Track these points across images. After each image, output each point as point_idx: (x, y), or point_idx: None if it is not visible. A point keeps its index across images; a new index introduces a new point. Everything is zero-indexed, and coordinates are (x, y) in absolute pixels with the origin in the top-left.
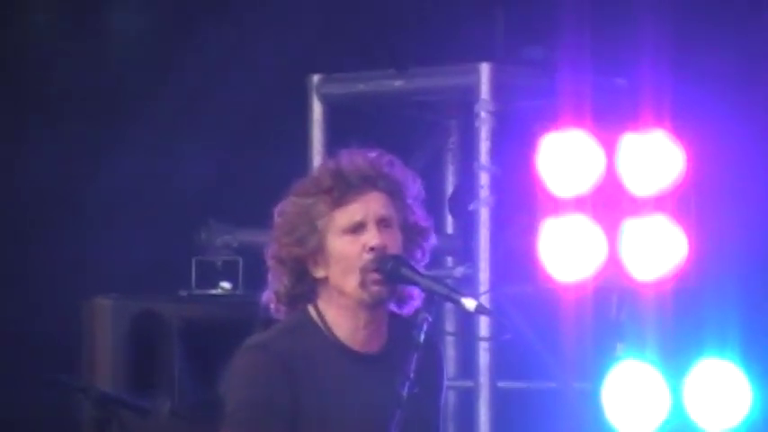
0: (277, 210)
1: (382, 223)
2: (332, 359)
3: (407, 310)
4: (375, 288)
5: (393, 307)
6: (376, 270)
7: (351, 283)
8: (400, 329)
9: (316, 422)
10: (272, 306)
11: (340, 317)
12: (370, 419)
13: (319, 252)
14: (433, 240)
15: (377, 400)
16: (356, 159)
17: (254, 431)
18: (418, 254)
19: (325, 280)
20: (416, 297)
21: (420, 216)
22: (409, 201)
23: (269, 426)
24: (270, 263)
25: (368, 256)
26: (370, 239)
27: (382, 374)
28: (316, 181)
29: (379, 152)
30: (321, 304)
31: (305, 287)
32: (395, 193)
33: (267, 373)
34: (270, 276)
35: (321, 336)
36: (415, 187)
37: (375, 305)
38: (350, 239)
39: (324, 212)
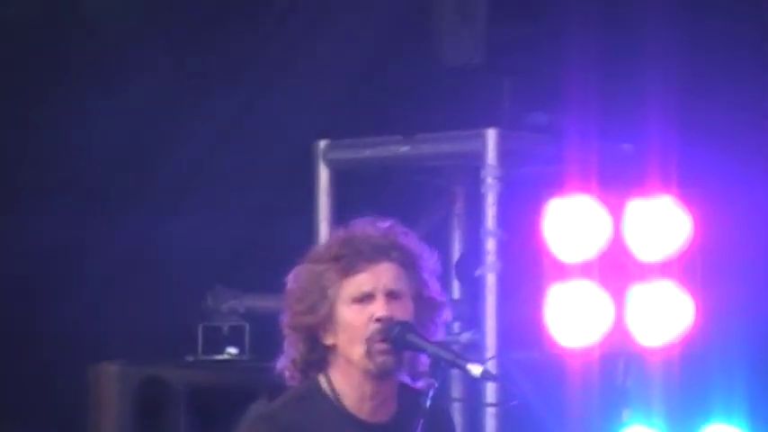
0: (290, 276)
1: (391, 295)
2: (339, 428)
3: (420, 384)
4: (381, 358)
5: (407, 379)
6: (383, 340)
7: (357, 352)
8: (410, 399)
9: None
10: (287, 374)
11: (348, 386)
12: None
13: (329, 320)
14: (446, 315)
15: None
16: (368, 229)
17: None
18: (431, 327)
19: (335, 348)
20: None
21: (434, 290)
22: (424, 274)
23: None
24: (284, 330)
25: (374, 327)
26: (378, 310)
27: None
28: (327, 248)
29: (392, 223)
30: (331, 372)
31: (317, 355)
32: (408, 265)
33: None
34: (285, 344)
35: (329, 405)
36: (430, 261)
37: (381, 375)
38: (358, 309)
39: (334, 281)
